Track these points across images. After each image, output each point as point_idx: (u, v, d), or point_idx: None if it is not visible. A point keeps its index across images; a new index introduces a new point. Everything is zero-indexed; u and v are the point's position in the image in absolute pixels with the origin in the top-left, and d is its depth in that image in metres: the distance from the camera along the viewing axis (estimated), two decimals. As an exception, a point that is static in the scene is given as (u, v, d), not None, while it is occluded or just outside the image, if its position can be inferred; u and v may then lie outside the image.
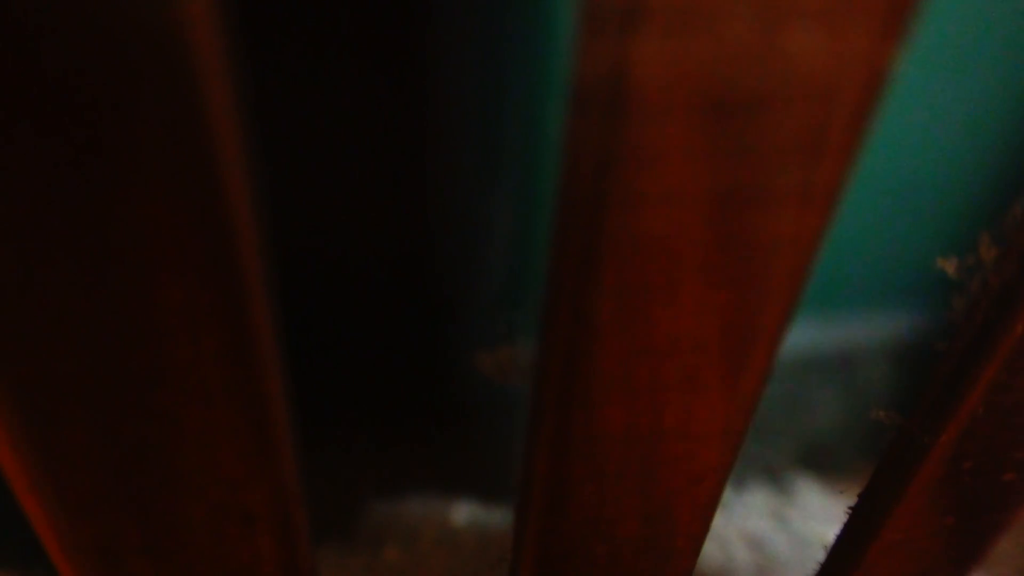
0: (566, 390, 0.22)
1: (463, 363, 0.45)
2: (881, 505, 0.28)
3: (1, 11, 0.14)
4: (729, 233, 0.19)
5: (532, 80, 0.37)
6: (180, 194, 0.16)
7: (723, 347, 0.21)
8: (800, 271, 0.20)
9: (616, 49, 0.16)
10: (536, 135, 0.38)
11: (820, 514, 0.52)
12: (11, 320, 0.18)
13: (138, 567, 0.23)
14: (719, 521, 0.51)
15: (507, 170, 0.39)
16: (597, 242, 0.19)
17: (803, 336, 0.50)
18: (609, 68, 0.16)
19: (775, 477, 0.55)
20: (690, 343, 0.21)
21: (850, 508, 0.30)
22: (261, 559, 0.24)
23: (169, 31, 0.15)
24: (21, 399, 0.19)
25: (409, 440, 0.49)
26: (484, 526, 0.49)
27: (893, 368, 0.52)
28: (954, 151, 0.44)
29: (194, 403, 0.20)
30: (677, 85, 0.17)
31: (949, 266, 0.24)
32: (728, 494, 0.53)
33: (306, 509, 0.23)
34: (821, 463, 0.55)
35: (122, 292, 0.18)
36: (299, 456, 0.22)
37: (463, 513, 0.50)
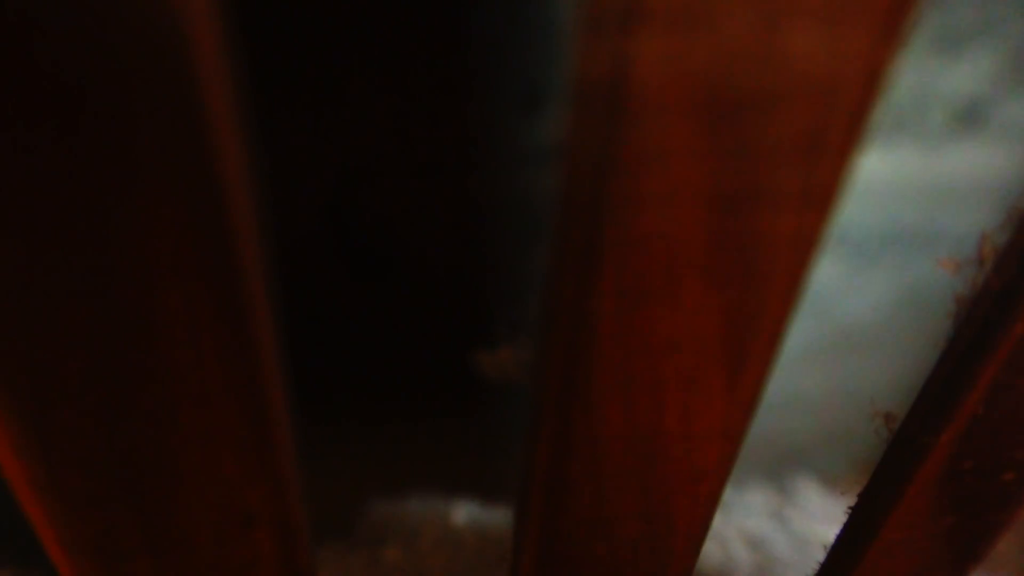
0: (566, 390, 0.22)
1: (463, 363, 0.45)
2: (881, 505, 0.28)
3: (0, 12, 0.14)
4: (729, 233, 0.19)
5: (531, 78, 0.37)
6: (180, 195, 0.16)
7: (723, 347, 0.21)
8: (800, 271, 0.20)
9: (616, 49, 0.16)
10: (535, 133, 0.38)
11: (820, 514, 0.52)
12: (12, 321, 0.18)
13: (138, 567, 0.23)
14: (719, 521, 0.51)
15: (507, 169, 0.39)
16: (597, 242, 0.19)
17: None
18: (609, 68, 0.16)
19: (775, 475, 0.55)
20: (690, 343, 0.21)
21: (850, 508, 0.29)
22: (261, 559, 0.24)
23: (169, 32, 0.15)
24: (22, 399, 0.19)
25: (409, 440, 0.49)
26: (484, 526, 0.49)
27: None
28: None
29: (194, 403, 0.20)
30: (677, 85, 0.17)
31: (949, 266, 0.24)
32: (728, 494, 0.53)
33: (306, 509, 0.23)
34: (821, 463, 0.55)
35: (122, 293, 0.18)
36: (299, 456, 0.22)
37: (463, 513, 0.50)
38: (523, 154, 0.39)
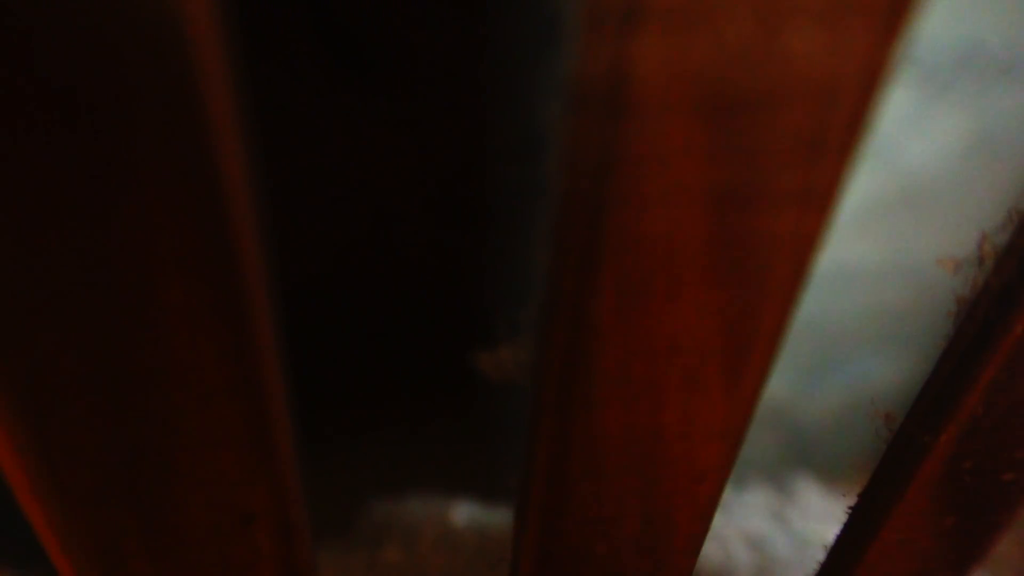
0: (566, 390, 0.22)
1: (463, 363, 0.45)
2: (881, 505, 0.28)
3: None
4: (729, 233, 0.19)
5: (530, 78, 0.37)
6: (180, 194, 0.16)
7: (723, 347, 0.21)
8: (800, 271, 0.20)
9: (615, 48, 0.16)
10: (536, 134, 0.38)
11: (820, 514, 0.52)
12: (11, 320, 0.18)
13: (138, 567, 0.23)
14: (719, 521, 0.51)
15: (507, 171, 0.40)
16: (597, 242, 0.19)
17: None
18: (608, 67, 0.16)
19: (775, 476, 0.55)
20: (690, 343, 0.21)
21: (850, 508, 0.30)
22: (261, 559, 0.24)
23: (169, 30, 0.15)
24: (21, 399, 0.19)
25: (409, 440, 0.49)
26: (484, 526, 0.49)
27: None
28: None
29: (194, 403, 0.20)
30: (677, 85, 0.17)
31: (949, 266, 0.24)
32: (728, 494, 0.52)
33: (306, 509, 0.23)
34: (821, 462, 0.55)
35: (122, 292, 0.18)
36: (299, 456, 0.22)
37: (463, 513, 0.50)
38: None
